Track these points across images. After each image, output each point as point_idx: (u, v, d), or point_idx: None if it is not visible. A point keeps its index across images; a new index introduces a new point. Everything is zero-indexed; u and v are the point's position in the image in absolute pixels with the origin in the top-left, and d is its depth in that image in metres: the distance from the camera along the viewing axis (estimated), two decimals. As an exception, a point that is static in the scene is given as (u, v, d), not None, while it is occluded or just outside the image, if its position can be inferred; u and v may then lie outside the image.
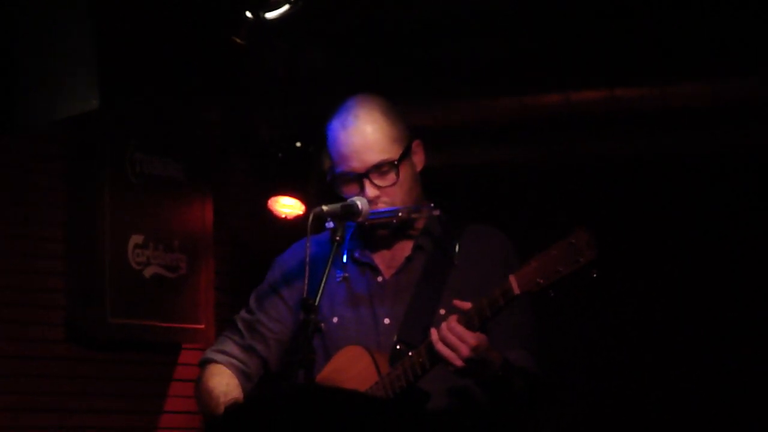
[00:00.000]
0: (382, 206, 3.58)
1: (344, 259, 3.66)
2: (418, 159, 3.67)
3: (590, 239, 3.31)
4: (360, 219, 3.55)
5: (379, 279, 3.65)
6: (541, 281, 3.33)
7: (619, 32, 5.21)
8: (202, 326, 5.56)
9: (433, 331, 3.38)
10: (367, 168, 3.57)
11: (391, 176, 3.59)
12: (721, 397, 5.91)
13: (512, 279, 3.35)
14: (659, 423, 6.02)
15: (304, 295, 3.40)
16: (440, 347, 3.35)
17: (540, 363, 3.59)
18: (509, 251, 3.65)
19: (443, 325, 3.36)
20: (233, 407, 3.48)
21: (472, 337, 3.33)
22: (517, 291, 3.34)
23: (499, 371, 3.40)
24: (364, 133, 3.59)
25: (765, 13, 5.01)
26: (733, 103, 5.19)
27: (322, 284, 3.40)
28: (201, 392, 3.70)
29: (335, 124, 3.63)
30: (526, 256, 3.37)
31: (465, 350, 3.33)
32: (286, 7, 4.50)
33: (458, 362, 3.34)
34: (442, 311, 3.55)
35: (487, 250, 3.65)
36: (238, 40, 4.63)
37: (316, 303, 3.37)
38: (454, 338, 3.33)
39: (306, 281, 3.43)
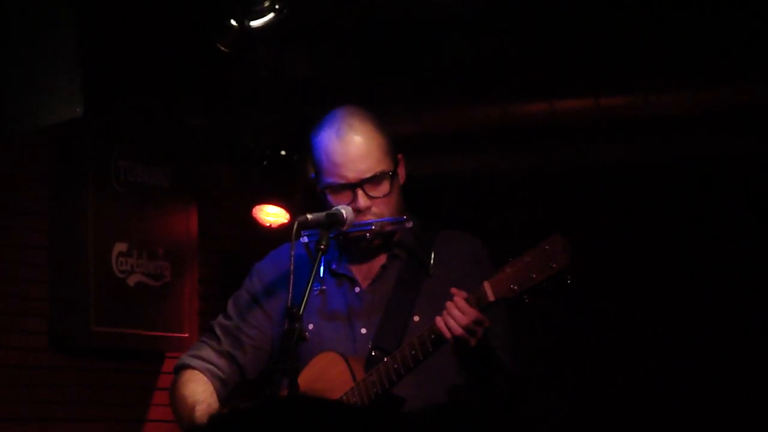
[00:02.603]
0: (371, 217, 3.59)
1: (321, 272, 3.66)
2: (402, 172, 3.69)
3: (564, 245, 3.34)
4: (345, 228, 3.55)
5: (357, 290, 3.67)
6: (516, 287, 3.36)
7: (603, 41, 5.22)
8: (186, 335, 5.55)
9: (438, 319, 3.40)
10: (362, 178, 3.57)
11: (384, 187, 3.60)
12: (712, 400, 5.92)
13: (486, 286, 3.39)
14: (648, 423, 6.03)
15: (289, 303, 3.40)
16: (449, 321, 3.37)
17: (516, 363, 3.61)
18: (482, 255, 3.67)
19: (448, 303, 3.39)
20: (218, 417, 3.48)
21: (482, 318, 3.37)
22: (491, 298, 3.38)
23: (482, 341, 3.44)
24: (359, 143, 3.58)
25: (750, 22, 5.03)
26: (717, 112, 5.21)
27: (307, 293, 3.40)
28: (175, 398, 3.70)
29: (327, 134, 3.61)
30: (503, 263, 3.39)
31: (464, 320, 3.37)
32: (270, 15, 4.50)
33: (458, 331, 3.35)
34: (416, 318, 3.58)
35: (461, 254, 3.67)
36: (224, 48, 4.62)
37: (301, 312, 3.37)
38: (458, 312, 3.37)
39: (290, 289, 3.42)
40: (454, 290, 3.42)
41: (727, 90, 5.15)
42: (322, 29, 5.43)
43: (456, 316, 3.37)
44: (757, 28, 5.02)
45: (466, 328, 3.36)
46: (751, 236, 5.86)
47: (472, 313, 3.37)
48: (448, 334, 3.39)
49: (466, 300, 3.40)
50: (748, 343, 5.88)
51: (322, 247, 3.49)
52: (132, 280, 5.40)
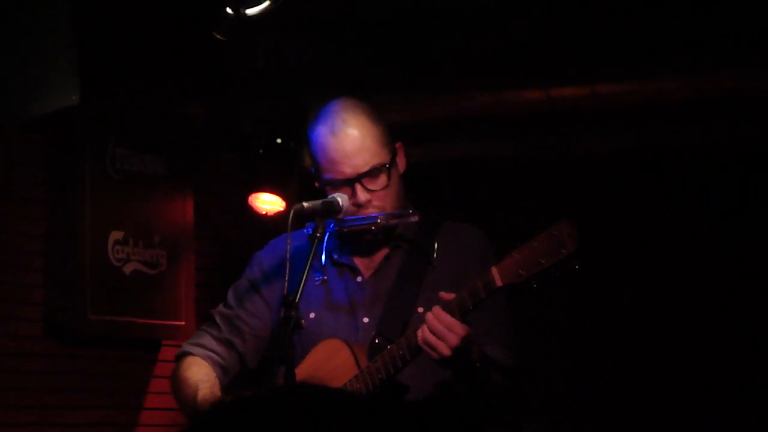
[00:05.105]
0: (372, 211, 3.58)
1: (323, 262, 3.66)
2: (401, 161, 3.68)
3: (572, 231, 3.33)
4: (340, 216, 3.55)
5: (359, 279, 3.66)
6: (523, 273, 3.34)
7: (599, 27, 5.21)
8: (182, 323, 5.55)
9: (424, 320, 3.37)
10: (359, 173, 3.56)
11: (383, 180, 3.59)
12: (709, 394, 5.93)
13: (494, 271, 3.36)
14: (644, 416, 6.03)
15: (285, 292, 3.40)
16: (428, 335, 3.35)
17: (516, 357, 3.60)
18: (486, 247, 3.66)
19: (429, 315, 3.36)
20: (221, 404, 3.47)
21: (460, 327, 3.33)
22: (499, 283, 3.36)
23: (477, 363, 3.42)
24: (354, 138, 3.57)
25: (746, 7, 5.03)
26: (714, 98, 5.20)
27: (303, 282, 3.40)
28: (177, 382, 3.70)
29: (322, 130, 3.60)
30: (508, 249, 3.38)
31: (453, 339, 3.33)
32: (266, 3, 4.49)
33: (446, 351, 3.33)
34: (420, 309, 3.57)
35: (464, 246, 3.66)
36: (220, 36, 4.62)
37: (297, 300, 3.37)
38: (442, 328, 3.34)
39: (287, 278, 3.43)
40: (442, 294, 3.41)
41: (726, 76, 5.15)
42: (317, 17, 5.42)
43: (429, 322, 3.36)
44: (758, 12, 5.01)
45: (437, 334, 3.34)
46: (751, 222, 5.86)
47: (450, 322, 3.35)
48: (420, 341, 3.38)
49: (455, 300, 3.38)
50: (756, 332, 5.87)
51: (318, 235, 3.49)
52: (128, 269, 5.40)
